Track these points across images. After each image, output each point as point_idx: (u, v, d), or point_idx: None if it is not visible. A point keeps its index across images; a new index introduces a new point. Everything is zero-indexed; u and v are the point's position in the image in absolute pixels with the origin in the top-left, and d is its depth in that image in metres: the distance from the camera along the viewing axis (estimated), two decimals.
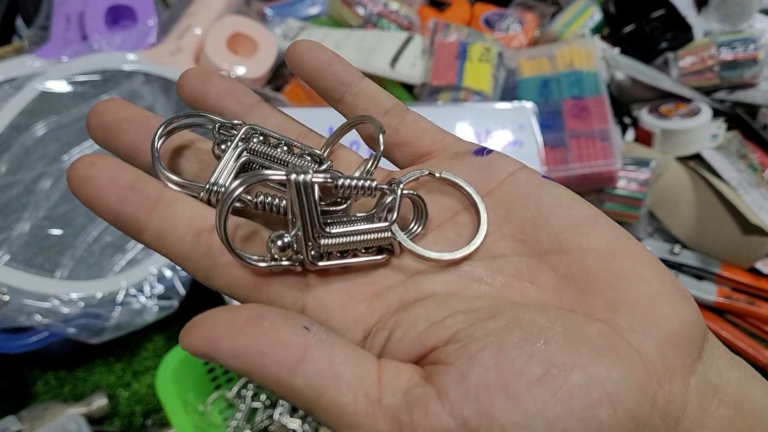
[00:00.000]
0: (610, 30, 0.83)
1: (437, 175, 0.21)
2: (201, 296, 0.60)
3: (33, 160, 0.56)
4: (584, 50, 0.67)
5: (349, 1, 0.76)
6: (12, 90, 0.59)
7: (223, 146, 0.21)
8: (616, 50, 0.81)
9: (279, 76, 0.73)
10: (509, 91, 0.67)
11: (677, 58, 0.77)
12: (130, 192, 0.19)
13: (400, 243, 0.19)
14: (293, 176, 0.18)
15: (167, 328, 0.60)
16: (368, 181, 0.19)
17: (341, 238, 0.19)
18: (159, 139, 0.20)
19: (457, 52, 0.66)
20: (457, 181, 0.21)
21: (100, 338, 0.52)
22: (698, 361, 0.17)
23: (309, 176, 0.18)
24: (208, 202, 0.20)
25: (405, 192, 0.20)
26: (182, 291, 0.54)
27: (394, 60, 0.68)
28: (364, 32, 0.73)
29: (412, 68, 0.68)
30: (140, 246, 0.54)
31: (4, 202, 0.54)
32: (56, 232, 0.54)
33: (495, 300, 0.18)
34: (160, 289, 0.53)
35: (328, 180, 0.19)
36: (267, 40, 0.67)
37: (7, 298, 0.50)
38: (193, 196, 0.20)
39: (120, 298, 0.52)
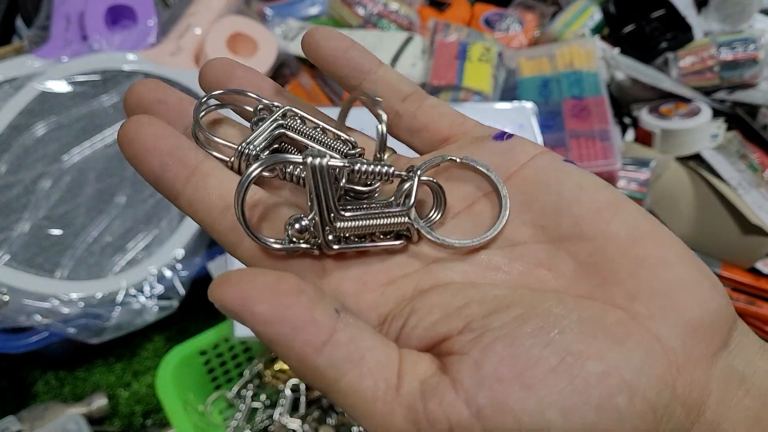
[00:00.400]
0: (610, 30, 0.83)
1: (457, 160, 0.20)
2: (201, 296, 0.60)
3: (33, 160, 0.56)
4: (584, 50, 0.67)
5: (349, 1, 0.76)
6: (12, 90, 0.59)
7: (260, 123, 0.21)
8: (616, 50, 0.81)
9: (279, 76, 0.73)
10: (509, 91, 0.67)
11: (677, 58, 0.77)
12: (171, 158, 0.19)
13: (418, 230, 0.19)
14: (309, 159, 0.18)
15: (167, 328, 0.60)
16: (385, 167, 0.19)
17: (357, 222, 0.19)
18: (200, 108, 0.21)
19: (457, 52, 0.66)
20: (478, 166, 0.20)
21: (100, 338, 0.52)
22: (723, 349, 0.17)
23: (326, 159, 0.18)
24: (238, 168, 0.20)
25: (423, 179, 0.20)
26: (182, 291, 0.54)
27: (394, 60, 0.68)
28: (364, 32, 0.73)
29: (412, 68, 0.68)
30: (140, 246, 0.54)
31: (4, 202, 0.54)
32: (56, 232, 0.54)
33: (512, 288, 0.18)
34: (159, 289, 0.53)
35: (345, 165, 0.19)
36: (267, 40, 0.67)
37: (7, 298, 0.50)
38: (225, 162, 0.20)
39: (120, 298, 0.52)
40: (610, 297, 0.17)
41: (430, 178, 0.20)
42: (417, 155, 0.23)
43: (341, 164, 0.19)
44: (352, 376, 0.16)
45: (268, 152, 0.21)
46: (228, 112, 0.22)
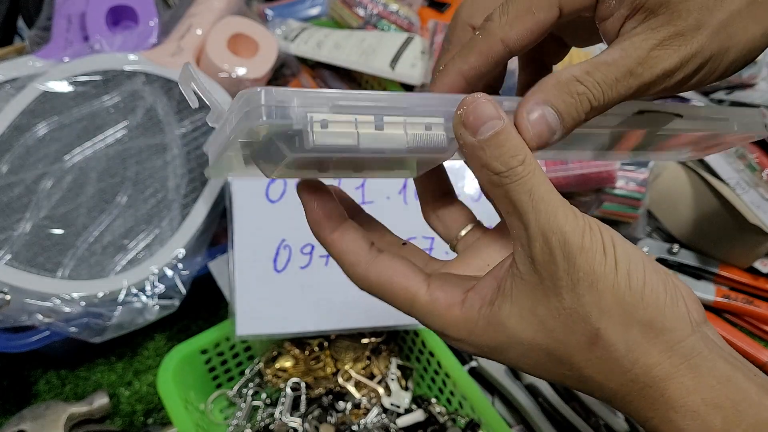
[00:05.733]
0: None
1: None
2: (201, 296, 0.60)
3: (34, 160, 0.56)
4: (583, 52, 0.67)
5: (350, 2, 0.76)
6: (13, 90, 0.60)
7: None
8: None
9: (279, 77, 0.73)
10: (508, 91, 0.68)
11: None
12: None
13: None
14: None
15: (168, 327, 0.61)
16: None
17: None
18: None
19: None
20: None
21: (102, 337, 0.52)
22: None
23: None
24: None
25: None
26: (183, 290, 0.54)
27: (394, 61, 0.69)
28: (364, 33, 0.73)
29: (411, 69, 0.68)
30: (141, 245, 0.54)
31: (6, 201, 0.54)
32: (57, 231, 0.54)
33: None
34: (161, 288, 0.53)
35: None
36: (268, 40, 0.68)
37: (8, 297, 0.50)
38: None
39: (121, 297, 0.52)
40: None
41: None
42: None
43: None
44: None
45: None
46: None
